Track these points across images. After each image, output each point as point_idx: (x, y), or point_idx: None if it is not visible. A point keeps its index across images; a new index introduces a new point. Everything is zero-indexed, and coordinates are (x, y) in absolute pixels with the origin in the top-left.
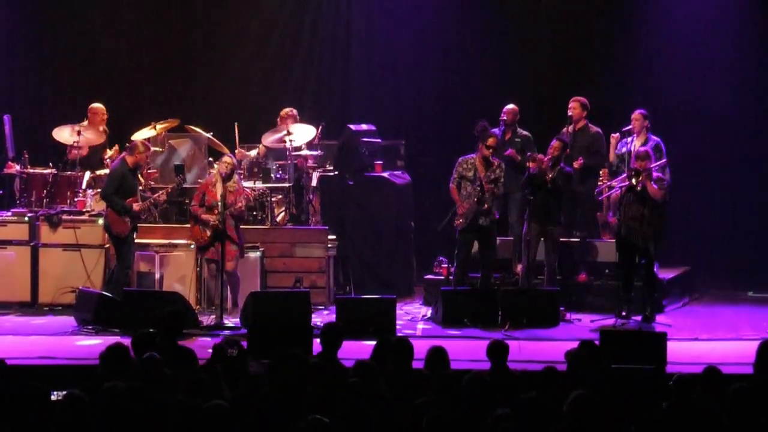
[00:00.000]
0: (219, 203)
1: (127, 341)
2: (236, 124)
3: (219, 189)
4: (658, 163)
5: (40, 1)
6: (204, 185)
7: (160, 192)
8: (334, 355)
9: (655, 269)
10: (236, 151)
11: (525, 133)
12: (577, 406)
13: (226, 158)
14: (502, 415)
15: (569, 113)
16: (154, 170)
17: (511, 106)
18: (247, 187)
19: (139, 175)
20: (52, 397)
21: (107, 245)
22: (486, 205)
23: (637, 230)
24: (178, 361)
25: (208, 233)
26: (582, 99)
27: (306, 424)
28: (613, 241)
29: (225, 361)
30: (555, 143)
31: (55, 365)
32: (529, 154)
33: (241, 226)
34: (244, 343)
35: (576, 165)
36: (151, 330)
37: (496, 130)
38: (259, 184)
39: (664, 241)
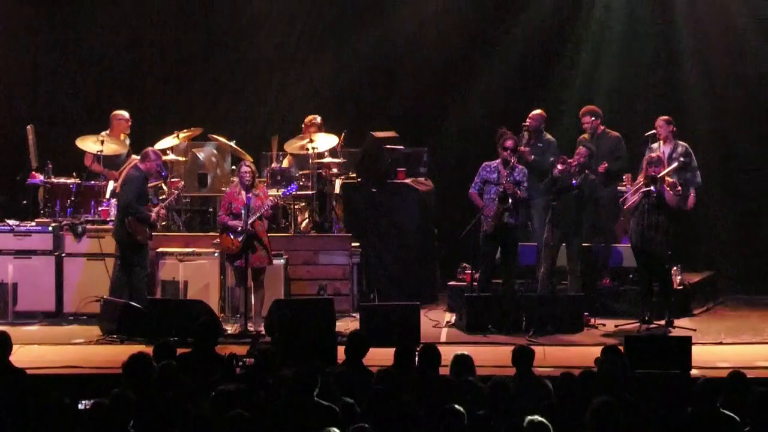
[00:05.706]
0: (243, 212)
1: (151, 350)
2: (275, 137)
3: (243, 197)
4: (670, 168)
5: (64, 13)
6: (229, 194)
7: (169, 196)
8: (359, 363)
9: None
10: (272, 165)
11: (550, 137)
12: (601, 411)
13: (244, 167)
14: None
15: (584, 126)
16: (178, 179)
17: (537, 111)
18: (270, 196)
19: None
20: (80, 407)
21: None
22: (510, 202)
23: (654, 239)
24: (213, 370)
25: (240, 240)
26: (592, 107)
27: None
28: None
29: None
30: (581, 150)
31: (81, 374)
32: (561, 157)
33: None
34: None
35: (600, 169)
36: (174, 338)
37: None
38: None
39: (688, 246)
